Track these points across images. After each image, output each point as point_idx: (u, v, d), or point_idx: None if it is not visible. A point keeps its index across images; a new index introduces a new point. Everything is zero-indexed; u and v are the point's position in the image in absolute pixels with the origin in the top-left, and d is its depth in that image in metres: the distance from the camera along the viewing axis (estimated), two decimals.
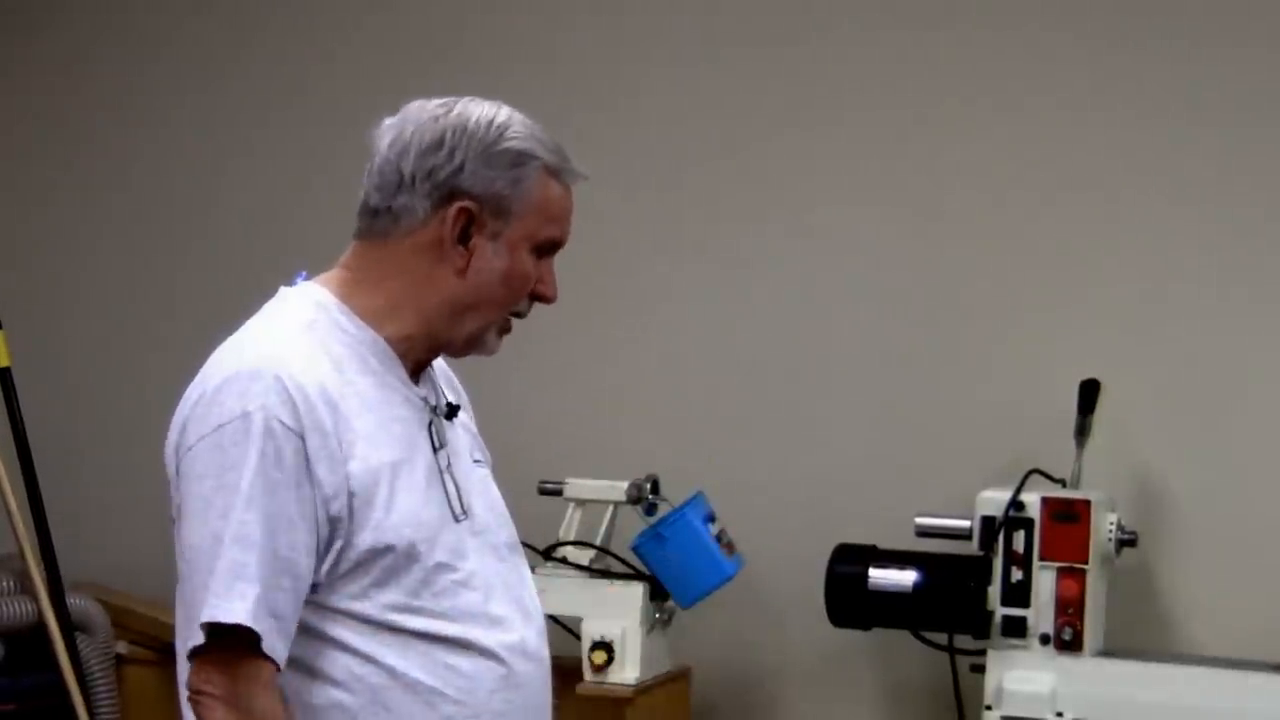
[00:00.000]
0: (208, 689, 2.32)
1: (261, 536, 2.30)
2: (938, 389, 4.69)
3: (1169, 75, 4.54)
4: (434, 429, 2.49)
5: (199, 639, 2.31)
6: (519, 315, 2.52)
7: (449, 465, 2.49)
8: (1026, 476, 4.26)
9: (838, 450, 4.76)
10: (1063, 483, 4.33)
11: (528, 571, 2.60)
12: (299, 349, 2.39)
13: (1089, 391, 4.39)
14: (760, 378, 4.85)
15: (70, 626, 4.78)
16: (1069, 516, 4.19)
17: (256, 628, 2.29)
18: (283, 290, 2.52)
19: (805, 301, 4.83)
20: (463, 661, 2.41)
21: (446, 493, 2.47)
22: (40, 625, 4.75)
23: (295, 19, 5.32)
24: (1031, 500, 4.21)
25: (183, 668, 2.40)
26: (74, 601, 4.83)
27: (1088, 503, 4.20)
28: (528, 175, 2.43)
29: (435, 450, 2.48)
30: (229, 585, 2.29)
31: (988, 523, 4.22)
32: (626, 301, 4.98)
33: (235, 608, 2.28)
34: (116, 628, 4.96)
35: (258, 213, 5.31)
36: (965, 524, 4.27)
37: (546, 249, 2.48)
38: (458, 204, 2.41)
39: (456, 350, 2.53)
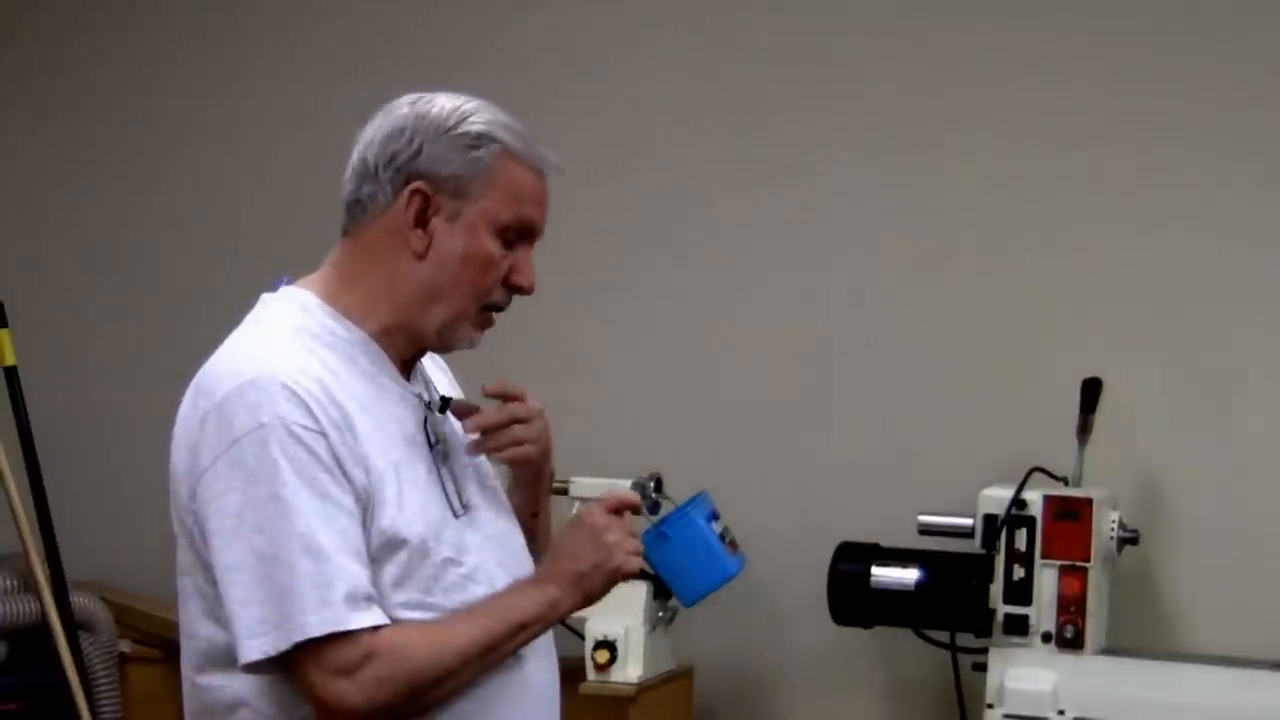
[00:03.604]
0: (346, 697, 2.32)
1: (328, 539, 2.30)
2: (940, 387, 4.69)
3: (1172, 75, 4.54)
4: (429, 425, 2.49)
5: (256, 653, 2.30)
6: (496, 308, 2.49)
7: (445, 460, 2.49)
8: (1028, 475, 4.25)
9: (840, 448, 4.76)
10: (1065, 481, 4.33)
11: (528, 560, 2.58)
12: (294, 356, 2.39)
13: (1091, 390, 4.38)
14: (763, 376, 4.85)
15: (73, 625, 4.79)
16: (1071, 515, 4.18)
17: (352, 626, 2.29)
18: (264, 297, 2.52)
19: (808, 299, 4.83)
20: None
21: (444, 489, 2.47)
22: (43, 624, 4.76)
23: (304, 22, 5.33)
24: (1033, 498, 4.20)
25: (188, 680, 2.43)
26: (77, 600, 4.84)
27: (1089, 501, 4.20)
28: (485, 156, 2.43)
29: (432, 446, 2.48)
30: (315, 597, 2.29)
31: (990, 521, 4.22)
32: (629, 299, 4.98)
33: (320, 618, 2.28)
34: (120, 626, 4.96)
35: (266, 213, 5.30)
36: (967, 522, 4.26)
37: (514, 234, 2.46)
38: (411, 185, 2.43)
39: (432, 343, 2.51)
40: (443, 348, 2.54)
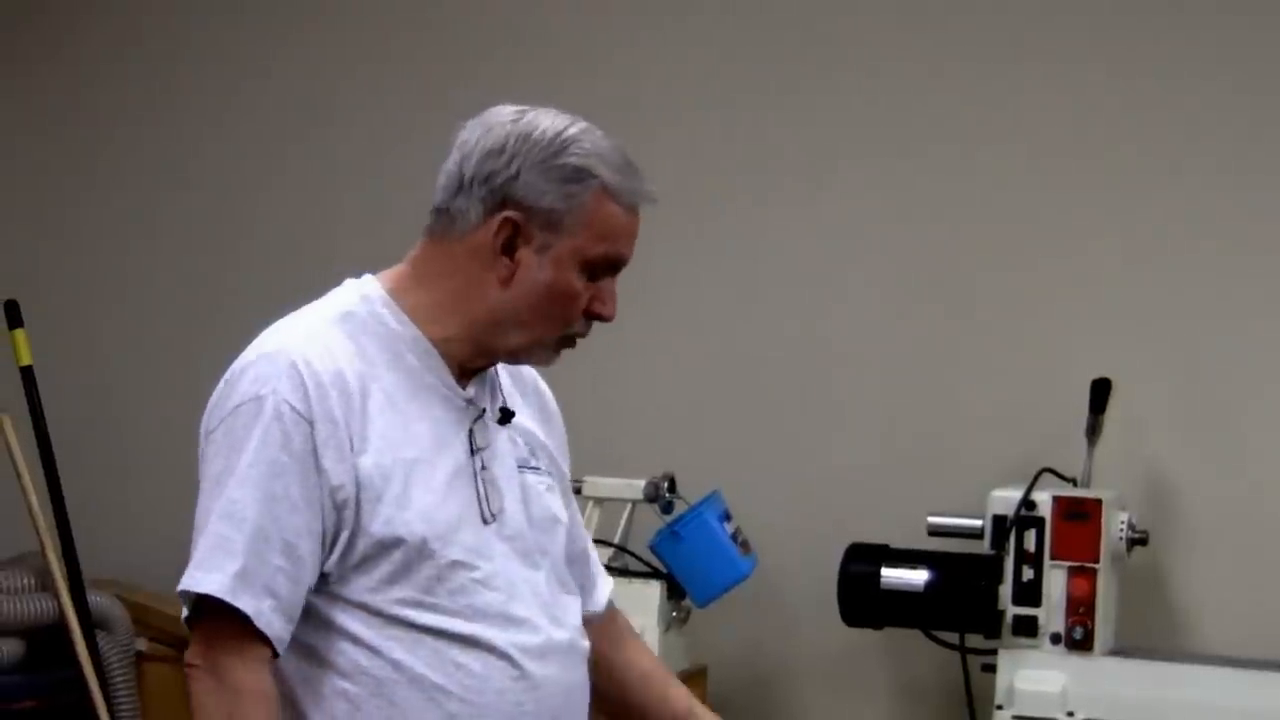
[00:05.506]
0: (194, 660, 2.38)
1: (255, 515, 2.33)
2: (949, 388, 4.70)
3: (1179, 74, 4.55)
4: (474, 431, 2.48)
5: (186, 611, 2.38)
6: (577, 334, 2.50)
7: (483, 468, 2.48)
8: (1038, 475, 4.26)
9: (851, 450, 4.77)
10: (1074, 482, 4.34)
11: (567, 581, 2.58)
12: (324, 338, 2.41)
13: (1100, 390, 4.40)
14: (775, 378, 4.86)
15: (90, 624, 4.79)
16: (1080, 515, 4.19)
17: (233, 601, 2.31)
18: (346, 281, 2.52)
19: (819, 301, 4.84)
20: (472, 660, 2.41)
21: (478, 494, 2.46)
22: (61, 622, 4.77)
23: (316, 20, 5.35)
24: (1043, 499, 4.21)
25: None
26: (94, 599, 4.85)
27: (1099, 502, 4.20)
28: (582, 192, 2.40)
29: (472, 452, 2.48)
30: (209, 557, 2.33)
31: (999, 522, 4.23)
32: (642, 301, 4.96)
33: (210, 579, 2.32)
34: (136, 625, 4.97)
35: (282, 214, 5.33)
36: (977, 523, 4.27)
37: (602, 268, 2.46)
38: (504, 213, 2.40)
39: (504, 360, 2.52)
40: (514, 363, 2.56)
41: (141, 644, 4.98)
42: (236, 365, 2.41)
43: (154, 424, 5.27)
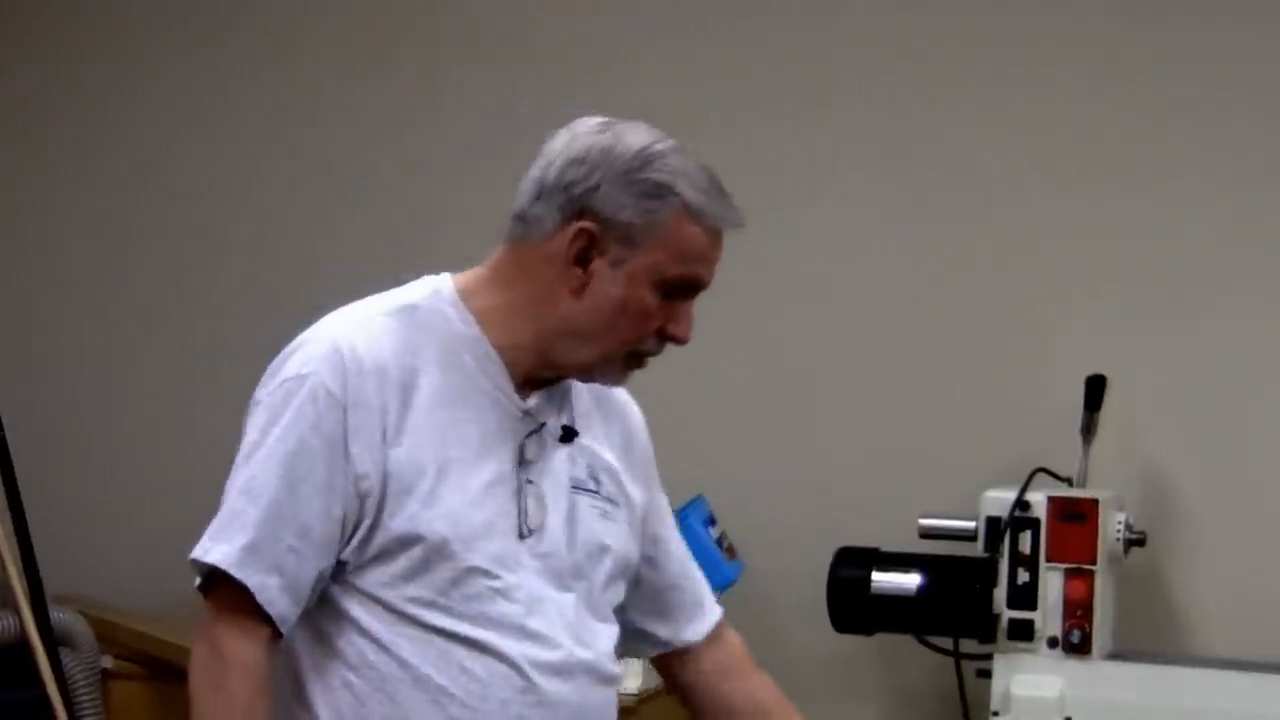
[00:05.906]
0: (200, 628, 2.39)
1: (274, 492, 2.35)
2: (941, 388, 4.66)
3: (1176, 71, 4.53)
4: (526, 444, 2.46)
5: (198, 579, 2.40)
6: (647, 353, 2.50)
7: (529, 481, 2.45)
8: (1032, 475, 4.22)
9: (839, 452, 4.73)
10: (1069, 481, 4.30)
11: (601, 609, 2.55)
12: (376, 326, 2.42)
13: (1095, 388, 4.35)
14: (761, 379, 4.82)
15: (54, 641, 4.72)
16: (1076, 516, 4.15)
17: (238, 574, 2.34)
18: (424, 277, 2.53)
19: (807, 301, 4.80)
20: (479, 666, 2.40)
21: (518, 507, 2.43)
22: (23, 640, 4.69)
23: (293, 18, 5.26)
24: (1037, 500, 4.17)
25: None
26: (58, 615, 4.77)
27: (1095, 502, 4.16)
28: (662, 209, 2.40)
29: (520, 464, 2.45)
30: (222, 529, 2.37)
31: (993, 523, 4.18)
32: None
33: (218, 550, 2.35)
34: (101, 642, 4.90)
35: (246, 220, 5.25)
36: (970, 525, 4.23)
37: (677, 289, 2.45)
38: (580, 223, 2.39)
39: (570, 375, 2.50)
40: (582, 379, 2.53)
41: (107, 661, 4.91)
42: (292, 344, 2.43)
43: (118, 437, 5.22)
